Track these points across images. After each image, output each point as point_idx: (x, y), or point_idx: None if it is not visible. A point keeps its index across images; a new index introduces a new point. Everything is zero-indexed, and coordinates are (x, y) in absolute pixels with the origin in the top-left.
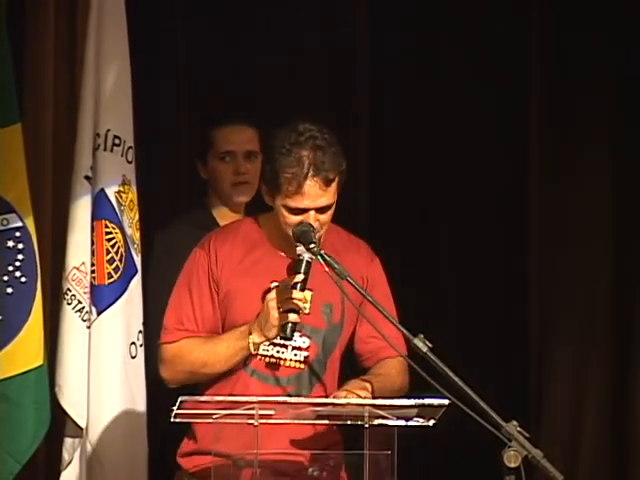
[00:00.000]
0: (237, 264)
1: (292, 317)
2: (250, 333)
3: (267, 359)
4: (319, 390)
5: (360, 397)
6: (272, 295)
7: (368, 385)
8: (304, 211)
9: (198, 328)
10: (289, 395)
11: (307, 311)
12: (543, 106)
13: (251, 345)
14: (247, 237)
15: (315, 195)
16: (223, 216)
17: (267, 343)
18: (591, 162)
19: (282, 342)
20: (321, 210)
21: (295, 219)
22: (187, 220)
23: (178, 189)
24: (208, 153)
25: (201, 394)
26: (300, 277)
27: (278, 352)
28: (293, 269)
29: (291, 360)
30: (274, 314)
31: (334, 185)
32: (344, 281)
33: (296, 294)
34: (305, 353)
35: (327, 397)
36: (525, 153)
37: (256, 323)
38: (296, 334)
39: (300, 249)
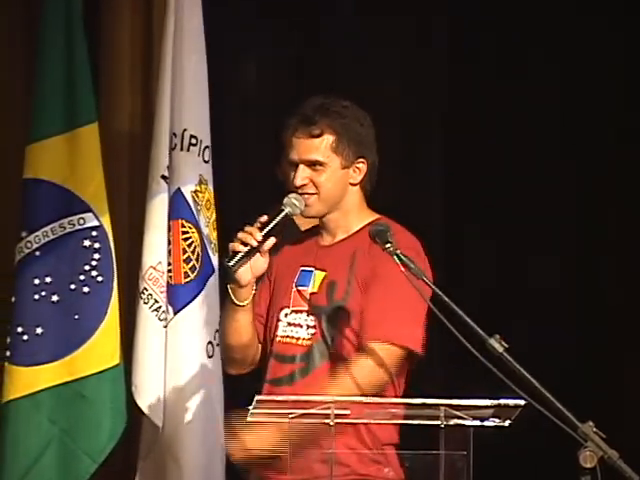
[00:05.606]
0: (278, 252)
1: (230, 245)
2: None
3: (285, 339)
4: (327, 365)
5: None
6: None
7: None
8: (297, 166)
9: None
10: (300, 371)
11: (255, 244)
12: None
13: (230, 291)
14: (296, 230)
15: (303, 147)
16: (299, 218)
17: (285, 324)
18: None
19: (294, 321)
20: (310, 165)
21: (294, 177)
22: None
23: (256, 189)
24: (282, 156)
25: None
26: (263, 218)
27: (292, 331)
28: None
29: (304, 338)
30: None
31: (325, 143)
32: (356, 259)
33: (246, 228)
34: (312, 330)
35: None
36: None
37: None
38: (304, 314)
39: (286, 200)
